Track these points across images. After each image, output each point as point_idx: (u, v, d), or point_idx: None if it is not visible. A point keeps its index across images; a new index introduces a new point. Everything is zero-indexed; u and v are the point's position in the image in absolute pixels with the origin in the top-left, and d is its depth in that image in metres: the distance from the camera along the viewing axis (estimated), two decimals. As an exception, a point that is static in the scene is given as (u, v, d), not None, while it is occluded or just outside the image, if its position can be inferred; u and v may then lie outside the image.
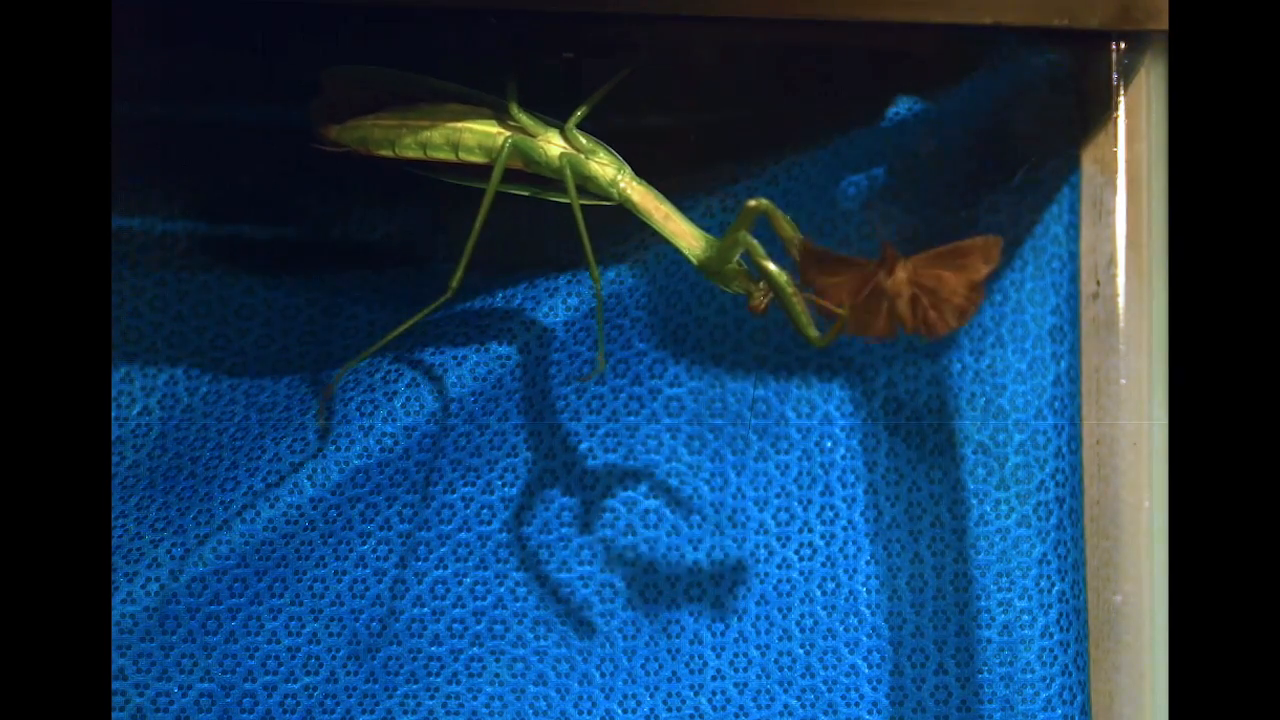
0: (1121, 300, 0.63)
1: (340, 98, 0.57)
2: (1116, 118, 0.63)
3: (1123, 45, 0.62)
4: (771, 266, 0.52)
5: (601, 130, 0.57)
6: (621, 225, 0.57)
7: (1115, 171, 0.63)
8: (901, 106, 0.62)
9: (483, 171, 0.57)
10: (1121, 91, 0.62)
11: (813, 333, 0.51)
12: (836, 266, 0.50)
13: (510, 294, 0.61)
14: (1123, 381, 0.63)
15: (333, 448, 0.59)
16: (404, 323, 0.58)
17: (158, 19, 0.58)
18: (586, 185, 0.56)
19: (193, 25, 0.60)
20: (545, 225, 0.62)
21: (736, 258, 0.53)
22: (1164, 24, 0.60)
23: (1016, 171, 0.63)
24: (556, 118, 0.57)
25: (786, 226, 0.51)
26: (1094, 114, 0.63)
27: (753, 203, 0.51)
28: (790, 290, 0.51)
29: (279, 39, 0.57)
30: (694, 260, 0.55)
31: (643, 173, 0.57)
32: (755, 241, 0.52)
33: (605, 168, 0.56)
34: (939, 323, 0.50)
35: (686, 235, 0.55)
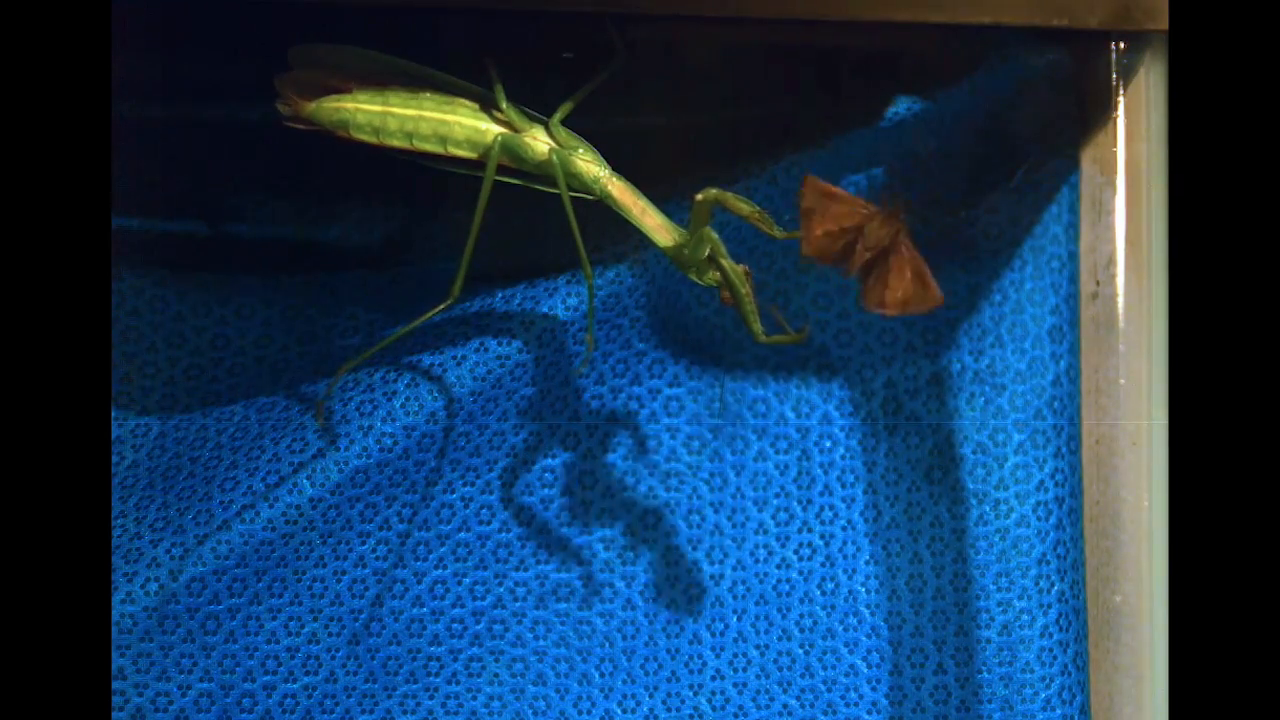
0: (1121, 300, 0.63)
1: (309, 77, 0.57)
2: (1116, 118, 0.63)
3: (1122, 45, 0.62)
4: (728, 263, 0.54)
5: (603, 130, 0.57)
6: (623, 225, 0.57)
7: (1115, 171, 0.63)
8: (901, 106, 0.62)
9: (465, 161, 0.57)
10: (1121, 91, 0.62)
11: (758, 328, 0.54)
12: (837, 198, 0.51)
13: (510, 294, 0.61)
14: (1122, 381, 0.63)
15: (332, 448, 0.59)
16: (404, 326, 0.58)
17: (158, 19, 0.58)
18: (570, 182, 0.57)
19: (193, 25, 0.60)
20: (545, 226, 0.62)
21: (706, 252, 0.54)
22: (1163, 24, 0.60)
23: (1016, 171, 0.63)
24: (540, 113, 0.57)
25: (743, 205, 0.53)
26: (1093, 114, 0.63)
27: (700, 196, 0.53)
28: (744, 289, 0.54)
29: (278, 39, 0.57)
30: (667, 253, 0.56)
31: (642, 172, 0.57)
32: (717, 237, 0.54)
33: (589, 165, 0.57)
34: (869, 294, 0.52)
35: (661, 230, 0.56)
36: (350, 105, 0.56)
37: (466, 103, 0.57)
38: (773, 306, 0.56)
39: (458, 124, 0.57)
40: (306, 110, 0.56)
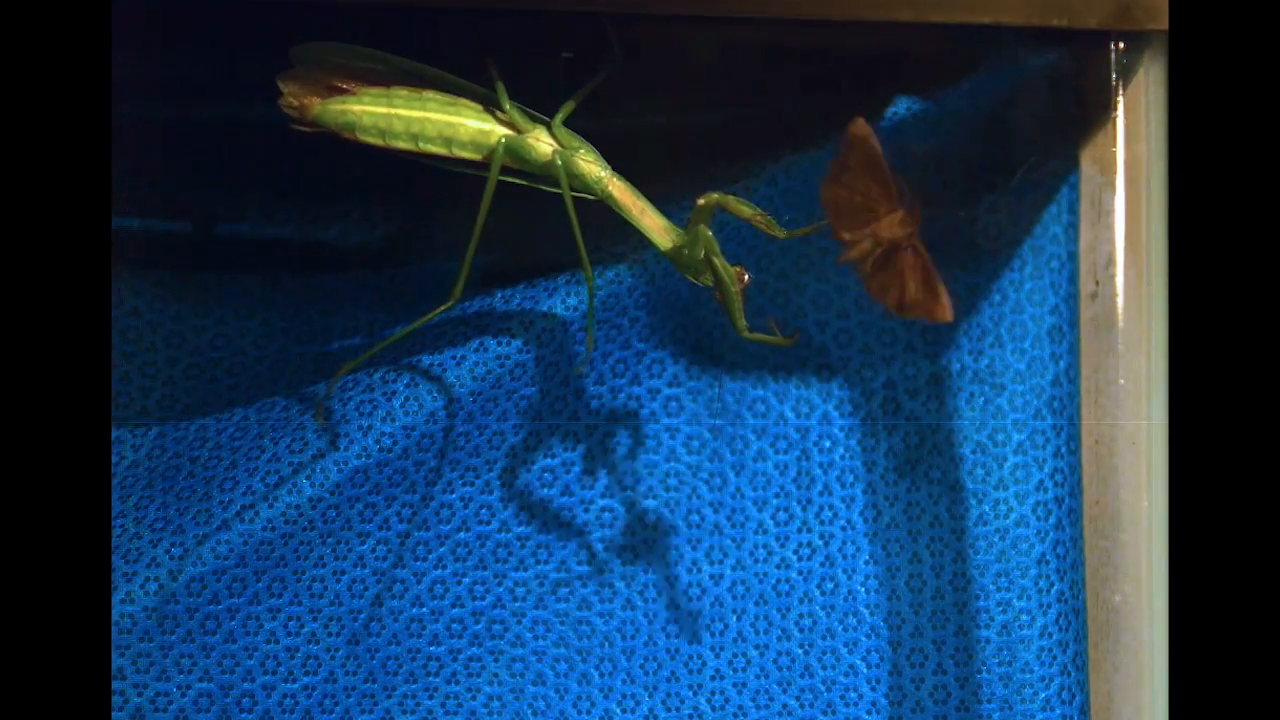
0: (1120, 300, 0.63)
1: (312, 76, 0.57)
2: (1115, 118, 0.63)
3: (1121, 45, 0.62)
4: (720, 260, 0.55)
5: (602, 130, 0.57)
6: (622, 225, 0.57)
7: (1114, 171, 0.63)
8: (900, 106, 0.62)
9: (468, 162, 0.58)
10: (1120, 91, 0.62)
11: (742, 323, 0.55)
12: (877, 173, 0.53)
13: (509, 294, 0.61)
14: (1121, 381, 0.63)
15: (332, 448, 0.59)
16: (404, 326, 0.58)
17: (158, 19, 0.58)
18: (573, 182, 0.57)
19: (193, 25, 0.60)
20: (544, 226, 0.62)
21: (702, 251, 0.55)
22: (1163, 24, 0.60)
23: (1015, 171, 0.63)
24: (540, 112, 0.58)
25: (744, 208, 0.54)
26: (1093, 114, 0.63)
27: (702, 200, 0.54)
28: (734, 288, 0.55)
29: (279, 38, 0.57)
30: (665, 254, 0.57)
31: (642, 172, 0.57)
32: (711, 235, 0.54)
33: (591, 165, 0.57)
34: (872, 281, 0.54)
35: (659, 230, 0.57)
36: (356, 108, 0.56)
37: (470, 103, 0.57)
38: (769, 319, 0.56)
39: (462, 125, 0.57)
40: (313, 113, 0.56)
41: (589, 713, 0.63)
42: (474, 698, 0.62)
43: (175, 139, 0.62)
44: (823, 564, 0.64)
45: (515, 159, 0.57)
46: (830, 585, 0.64)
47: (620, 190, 0.57)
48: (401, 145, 0.57)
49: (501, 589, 0.62)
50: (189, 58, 0.61)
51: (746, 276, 0.55)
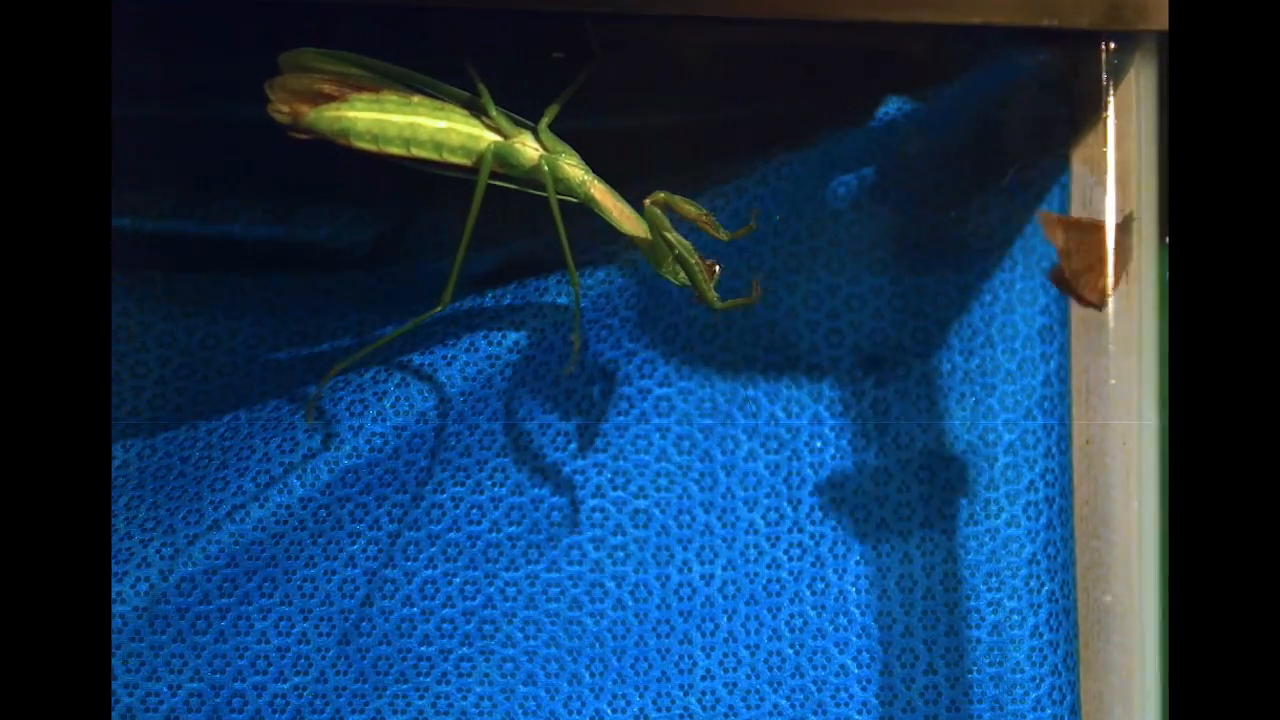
0: (1111, 300, 0.63)
1: (299, 82, 0.57)
2: (1106, 118, 0.63)
3: (1112, 45, 0.62)
4: (673, 236, 0.56)
5: (595, 131, 0.58)
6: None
7: (1105, 172, 0.63)
8: (891, 106, 0.62)
9: (456, 166, 0.58)
10: (1111, 92, 0.63)
11: (713, 296, 0.56)
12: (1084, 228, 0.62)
13: (500, 294, 0.61)
14: (1112, 381, 0.63)
15: (322, 448, 0.59)
16: (396, 326, 0.58)
17: (158, 19, 0.58)
18: (557, 186, 0.57)
19: (193, 25, 0.60)
20: (534, 226, 0.62)
21: (658, 237, 0.57)
22: (1154, 24, 0.60)
23: (1006, 172, 0.63)
24: (530, 111, 0.58)
25: (689, 208, 0.56)
26: (1084, 114, 0.63)
27: (649, 200, 0.56)
28: (694, 260, 0.56)
29: (277, 38, 0.57)
30: (644, 254, 0.58)
31: (634, 172, 0.58)
32: (659, 213, 0.56)
33: (575, 169, 0.57)
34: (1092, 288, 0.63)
35: (639, 231, 0.57)
36: (350, 114, 0.56)
37: (456, 108, 0.57)
38: (754, 279, 0.57)
39: (453, 130, 0.57)
40: (307, 119, 0.56)
41: (580, 713, 0.63)
42: (465, 698, 0.62)
43: (169, 139, 0.62)
44: (813, 564, 0.64)
45: (502, 164, 0.57)
46: (821, 585, 0.64)
47: (601, 193, 0.57)
48: (394, 150, 0.57)
49: (492, 589, 0.62)
50: (189, 58, 0.61)
51: (717, 269, 0.56)
